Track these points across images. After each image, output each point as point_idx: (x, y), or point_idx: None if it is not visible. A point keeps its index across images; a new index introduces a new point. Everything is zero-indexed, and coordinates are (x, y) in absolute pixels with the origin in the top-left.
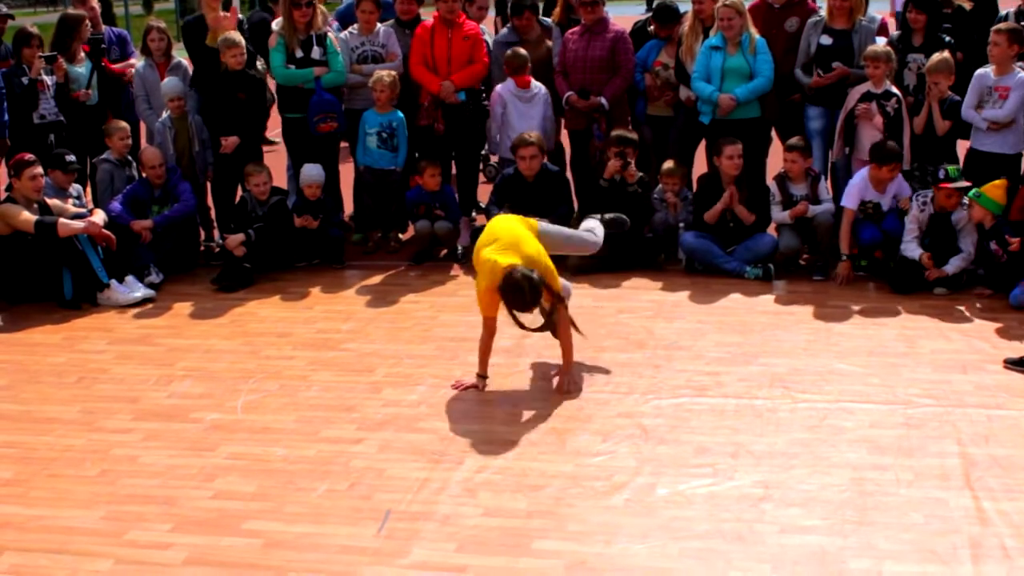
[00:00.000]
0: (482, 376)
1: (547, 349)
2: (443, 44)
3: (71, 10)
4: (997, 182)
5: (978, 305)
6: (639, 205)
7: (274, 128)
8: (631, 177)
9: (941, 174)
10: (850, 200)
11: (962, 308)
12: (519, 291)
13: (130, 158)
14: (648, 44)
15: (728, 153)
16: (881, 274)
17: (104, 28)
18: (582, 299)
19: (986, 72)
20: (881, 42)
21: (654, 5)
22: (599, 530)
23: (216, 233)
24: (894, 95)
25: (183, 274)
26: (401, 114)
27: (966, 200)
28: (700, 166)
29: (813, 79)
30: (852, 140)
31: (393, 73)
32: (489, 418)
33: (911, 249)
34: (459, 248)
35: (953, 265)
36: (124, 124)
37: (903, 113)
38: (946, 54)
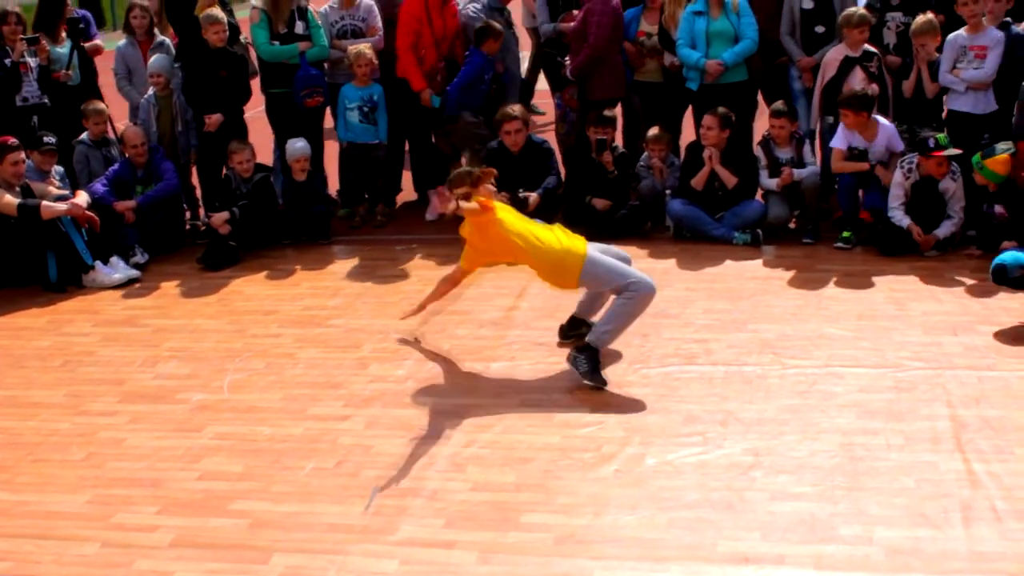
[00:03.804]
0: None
1: (535, 321)
2: (439, 23)
3: None
4: (1000, 157)
5: (968, 267)
6: (618, 188)
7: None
8: (609, 165)
9: (931, 143)
10: (838, 141)
11: (952, 270)
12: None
13: (108, 137)
14: (628, 13)
15: (703, 124)
16: (869, 239)
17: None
18: None
19: (958, 33)
20: (861, 2)
21: None
22: (588, 502)
23: (201, 212)
24: (874, 55)
25: (169, 253)
26: (380, 87)
27: (955, 166)
28: (688, 133)
29: (801, 61)
30: (834, 110)
31: (372, 47)
32: (476, 392)
33: (899, 217)
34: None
35: (944, 229)
36: (102, 107)
37: (884, 72)
38: (930, 15)
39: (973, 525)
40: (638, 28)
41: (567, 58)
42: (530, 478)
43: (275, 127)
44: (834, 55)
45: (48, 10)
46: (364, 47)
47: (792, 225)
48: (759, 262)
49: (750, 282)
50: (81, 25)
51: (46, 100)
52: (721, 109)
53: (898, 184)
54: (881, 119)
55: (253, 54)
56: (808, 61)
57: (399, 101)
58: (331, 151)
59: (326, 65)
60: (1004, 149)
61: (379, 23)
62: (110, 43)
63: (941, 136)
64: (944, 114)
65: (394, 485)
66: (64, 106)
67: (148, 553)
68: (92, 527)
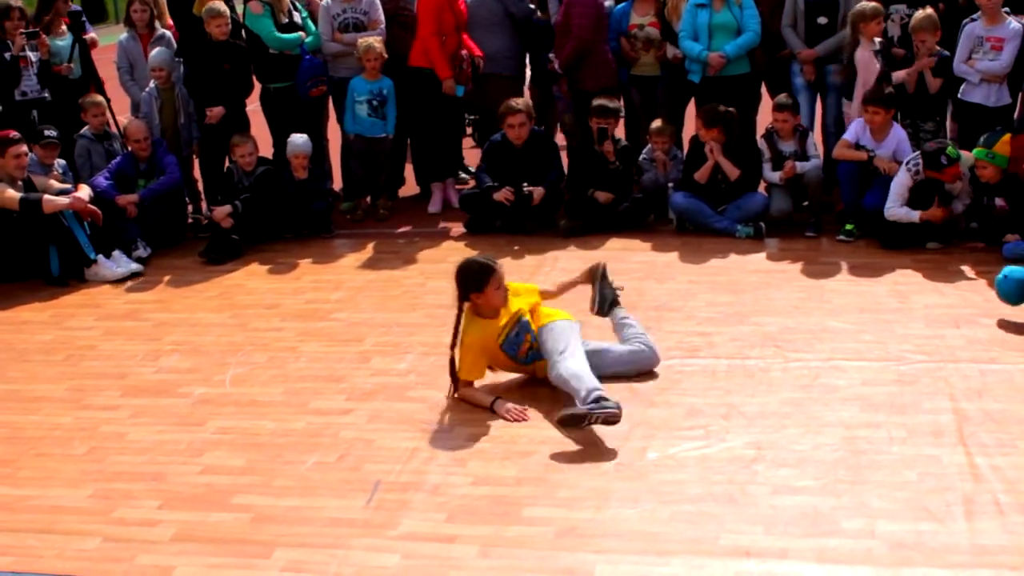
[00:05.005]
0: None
1: None
2: (459, 8)
3: None
4: (1004, 138)
5: (970, 259)
6: (620, 180)
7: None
8: (610, 155)
9: (943, 160)
10: (849, 133)
11: (954, 263)
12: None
13: (109, 130)
14: (618, 9)
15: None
16: (869, 232)
17: None
18: (571, 261)
19: (976, 23)
20: None
21: None
22: (589, 496)
23: (204, 205)
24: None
25: (171, 247)
26: (390, 81)
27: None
28: (691, 126)
29: (802, 53)
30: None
31: (381, 40)
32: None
33: (903, 213)
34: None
35: (957, 206)
36: (100, 99)
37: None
38: (929, 10)
39: (975, 519)
40: (629, 22)
41: (551, 53)
42: (531, 472)
43: (272, 123)
44: (866, 55)
45: (48, 4)
46: (374, 40)
47: (795, 218)
48: (762, 255)
49: (753, 275)
50: (83, 18)
51: (46, 94)
52: (721, 108)
53: (902, 184)
54: (896, 125)
55: None
56: (809, 53)
57: (402, 94)
58: (333, 145)
59: (328, 59)
60: (954, 150)
61: (381, 16)
62: (111, 37)
63: (951, 149)
64: (950, 109)
65: (395, 479)
66: (64, 100)
67: (149, 548)
68: (94, 521)
